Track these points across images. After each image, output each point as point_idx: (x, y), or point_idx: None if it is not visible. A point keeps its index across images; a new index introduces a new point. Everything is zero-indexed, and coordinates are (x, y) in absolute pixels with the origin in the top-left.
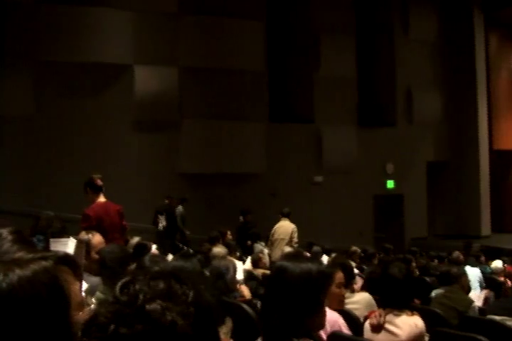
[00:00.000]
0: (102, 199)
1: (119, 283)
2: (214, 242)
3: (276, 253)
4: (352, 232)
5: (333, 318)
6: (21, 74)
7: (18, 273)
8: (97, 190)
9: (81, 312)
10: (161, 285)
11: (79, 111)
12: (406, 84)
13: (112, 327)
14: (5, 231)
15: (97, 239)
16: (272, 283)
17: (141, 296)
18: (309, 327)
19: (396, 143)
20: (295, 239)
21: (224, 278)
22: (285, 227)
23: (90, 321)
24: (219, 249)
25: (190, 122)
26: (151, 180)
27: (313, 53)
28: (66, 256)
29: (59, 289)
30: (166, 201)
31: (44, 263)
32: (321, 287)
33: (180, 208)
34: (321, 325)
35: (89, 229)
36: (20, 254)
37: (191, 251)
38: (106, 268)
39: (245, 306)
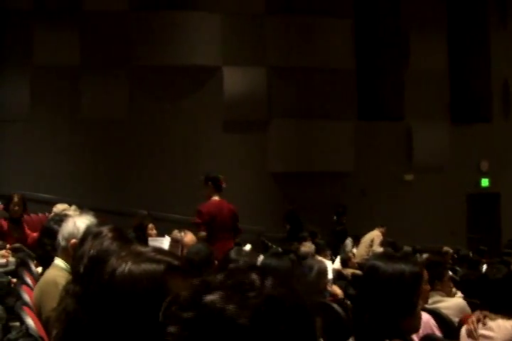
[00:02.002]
0: (217, 197)
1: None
2: (302, 241)
3: (356, 255)
4: (443, 232)
5: (424, 319)
6: (115, 79)
7: (129, 267)
8: (219, 190)
9: None
10: (236, 277)
11: (169, 112)
12: (502, 78)
13: (174, 309)
14: (105, 229)
15: (189, 237)
16: (363, 283)
17: (208, 285)
18: (403, 329)
19: (491, 139)
20: (374, 247)
21: (306, 278)
22: (371, 233)
23: (172, 300)
24: (306, 248)
25: (279, 122)
26: (241, 179)
27: (402, 49)
28: (181, 264)
29: (158, 294)
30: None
31: (155, 266)
32: (413, 288)
33: None
34: (416, 327)
35: (202, 225)
36: (139, 251)
37: (280, 249)
38: (193, 267)
39: (335, 306)
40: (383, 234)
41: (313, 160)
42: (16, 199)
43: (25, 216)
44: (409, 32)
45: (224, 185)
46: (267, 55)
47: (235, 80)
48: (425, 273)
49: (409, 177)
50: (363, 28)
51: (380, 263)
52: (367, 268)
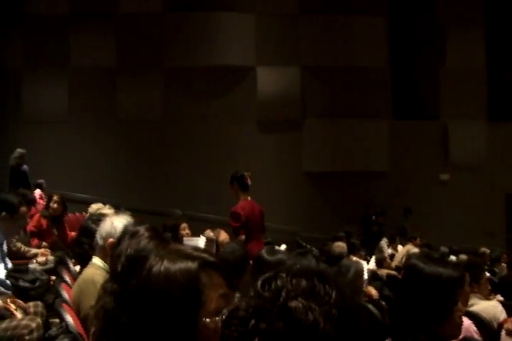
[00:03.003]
0: (246, 197)
1: (261, 278)
2: (337, 241)
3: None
4: (480, 233)
5: (465, 324)
6: (151, 80)
7: (165, 265)
8: (245, 188)
9: (217, 318)
10: (304, 283)
11: (204, 113)
12: None
13: (253, 321)
14: (142, 229)
15: (223, 236)
16: (401, 283)
17: (283, 293)
18: (440, 335)
19: None
20: None
21: (355, 279)
22: (405, 248)
23: (230, 314)
24: (340, 248)
25: (313, 121)
26: (275, 179)
27: (438, 47)
28: (216, 261)
29: (193, 291)
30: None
31: (190, 264)
32: (448, 293)
33: None
34: (454, 334)
35: (240, 228)
36: (174, 249)
37: (314, 249)
38: (228, 267)
39: (370, 306)
40: (418, 246)
41: (347, 159)
42: (55, 197)
43: (66, 216)
44: (446, 29)
45: (249, 182)
46: (301, 55)
47: (268, 80)
48: (467, 276)
49: (445, 176)
50: (398, 26)
51: (418, 264)
52: (407, 267)
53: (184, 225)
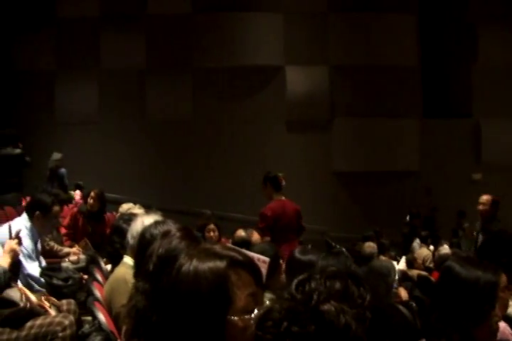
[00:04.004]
0: (280, 197)
1: (296, 280)
2: (367, 241)
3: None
4: None
5: (500, 327)
6: (180, 80)
7: (194, 264)
8: (278, 189)
9: (245, 316)
10: (338, 285)
11: (233, 113)
12: None
13: (285, 324)
14: (173, 229)
15: (255, 236)
16: (436, 285)
17: (315, 296)
18: (476, 338)
19: None
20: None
21: (386, 280)
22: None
23: (264, 315)
24: (370, 249)
25: (342, 121)
26: (304, 179)
27: (470, 44)
28: (244, 259)
29: (221, 289)
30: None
31: (218, 262)
32: (486, 297)
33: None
34: (490, 337)
35: (266, 229)
36: (203, 248)
37: (344, 249)
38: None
39: (401, 307)
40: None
41: (377, 159)
42: (92, 193)
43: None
44: (477, 26)
45: (283, 183)
46: (330, 54)
47: (297, 80)
48: (503, 280)
49: (477, 176)
50: (428, 23)
51: (456, 266)
52: (443, 268)
53: (211, 227)
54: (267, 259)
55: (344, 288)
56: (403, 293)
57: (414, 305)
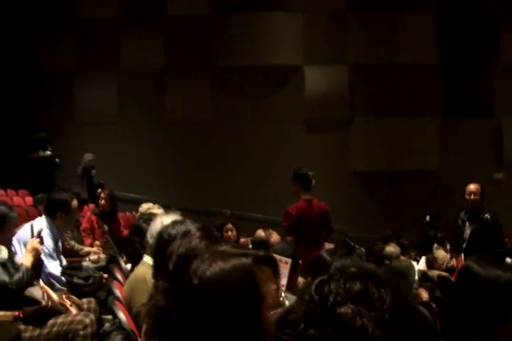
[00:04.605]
0: (307, 196)
1: (316, 281)
2: (387, 241)
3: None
4: None
5: None
6: (199, 80)
7: (220, 265)
8: (307, 188)
9: (274, 312)
10: (357, 287)
11: (251, 113)
12: None
13: (302, 326)
14: (193, 228)
15: (275, 237)
16: (455, 285)
17: (331, 298)
18: (499, 339)
19: None
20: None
21: (406, 281)
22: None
23: (283, 317)
24: (392, 249)
25: (361, 120)
26: (323, 178)
27: (491, 42)
28: (267, 255)
29: (253, 286)
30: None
31: (244, 260)
32: (509, 298)
33: None
34: None
35: (289, 229)
36: (225, 248)
37: (363, 249)
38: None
39: (422, 308)
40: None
41: (396, 158)
42: (102, 194)
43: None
44: (499, 24)
45: (313, 182)
46: (349, 53)
47: (316, 79)
48: None
49: (499, 175)
50: (448, 22)
51: (475, 266)
52: (461, 268)
53: (229, 226)
54: (288, 260)
55: (364, 290)
56: (424, 294)
57: (434, 306)
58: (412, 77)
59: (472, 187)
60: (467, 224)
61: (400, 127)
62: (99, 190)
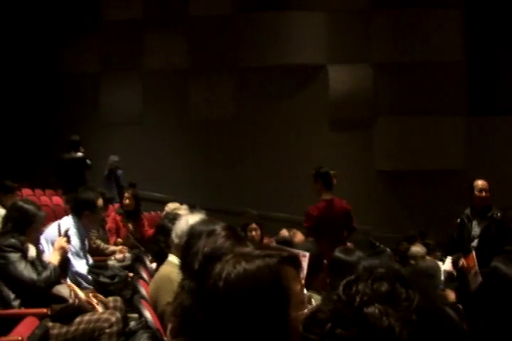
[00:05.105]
0: (328, 196)
1: (344, 281)
2: (412, 241)
3: None
4: None
5: None
6: (222, 80)
7: (244, 266)
8: (329, 187)
9: (301, 312)
10: (385, 287)
11: (275, 112)
12: None
13: (329, 325)
14: (218, 228)
15: (298, 237)
16: (482, 286)
17: (357, 298)
18: None
19: None
20: None
21: (432, 281)
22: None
23: (311, 316)
24: (418, 249)
25: (385, 119)
26: (347, 178)
27: None
28: (291, 256)
29: (280, 287)
30: None
31: (269, 260)
32: None
33: None
34: None
35: (311, 229)
36: (248, 249)
37: (388, 249)
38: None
39: (448, 309)
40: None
41: (421, 158)
42: (126, 194)
43: (143, 213)
44: None
45: (335, 181)
46: (373, 52)
47: (340, 78)
48: None
49: None
50: (475, 18)
51: (503, 267)
52: (489, 269)
53: (253, 226)
54: (306, 253)
55: (391, 290)
56: (451, 295)
57: (461, 307)
58: (437, 74)
59: (483, 183)
60: (474, 222)
61: (424, 126)
62: (131, 189)
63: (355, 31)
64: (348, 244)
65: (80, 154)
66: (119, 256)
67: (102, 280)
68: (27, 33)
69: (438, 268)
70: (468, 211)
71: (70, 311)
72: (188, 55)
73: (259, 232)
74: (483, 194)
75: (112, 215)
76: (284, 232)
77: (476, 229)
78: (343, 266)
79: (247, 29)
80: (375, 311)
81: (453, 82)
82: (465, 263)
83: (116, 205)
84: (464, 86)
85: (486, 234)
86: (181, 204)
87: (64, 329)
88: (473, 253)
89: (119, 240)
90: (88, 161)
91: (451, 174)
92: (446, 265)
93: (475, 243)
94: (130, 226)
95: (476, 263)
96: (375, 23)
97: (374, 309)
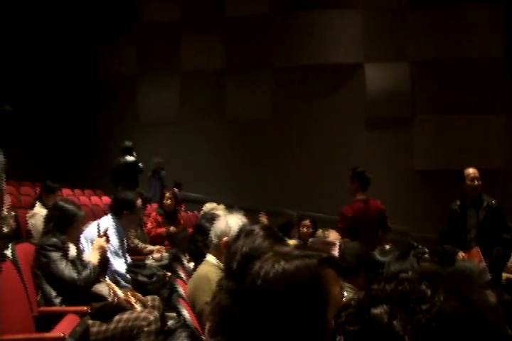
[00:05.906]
0: (363, 197)
1: (376, 281)
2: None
3: None
4: None
5: None
6: (259, 80)
7: (283, 265)
8: (364, 188)
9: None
10: (402, 288)
11: (312, 111)
12: None
13: (342, 319)
14: (257, 227)
15: (333, 236)
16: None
17: (370, 298)
18: None
19: None
20: None
21: (473, 283)
22: None
23: (340, 310)
24: (455, 249)
25: (424, 118)
26: (385, 178)
27: None
28: (330, 257)
29: (318, 287)
30: None
31: (308, 261)
32: None
33: None
34: None
35: (346, 230)
36: (287, 249)
37: (426, 250)
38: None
39: (490, 313)
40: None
41: (461, 157)
42: (167, 194)
43: (181, 213)
44: None
45: (370, 183)
46: (410, 49)
47: (377, 77)
48: None
49: None
50: None
51: None
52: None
53: (306, 222)
54: (336, 242)
55: (407, 292)
56: (492, 298)
57: (502, 310)
58: (477, 72)
59: (474, 171)
60: (469, 212)
61: (464, 124)
62: (177, 189)
63: (391, 29)
64: (388, 245)
65: (132, 158)
66: (156, 255)
67: (140, 279)
68: (66, 35)
69: (479, 268)
70: (458, 201)
71: (109, 309)
72: (225, 55)
73: (311, 230)
74: (476, 183)
75: (153, 215)
76: (320, 232)
77: (472, 220)
78: (375, 266)
79: (283, 29)
80: (380, 311)
81: (494, 79)
82: (465, 257)
83: (155, 205)
84: (505, 83)
85: (485, 223)
86: (218, 204)
87: (103, 327)
88: (478, 248)
89: (172, 228)
90: (140, 165)
91: (493, 173)
92: None
93: (473, 234)
94: (169, 227)
95: (483, 259)
96: (412, 20)
97: (380, 309)
